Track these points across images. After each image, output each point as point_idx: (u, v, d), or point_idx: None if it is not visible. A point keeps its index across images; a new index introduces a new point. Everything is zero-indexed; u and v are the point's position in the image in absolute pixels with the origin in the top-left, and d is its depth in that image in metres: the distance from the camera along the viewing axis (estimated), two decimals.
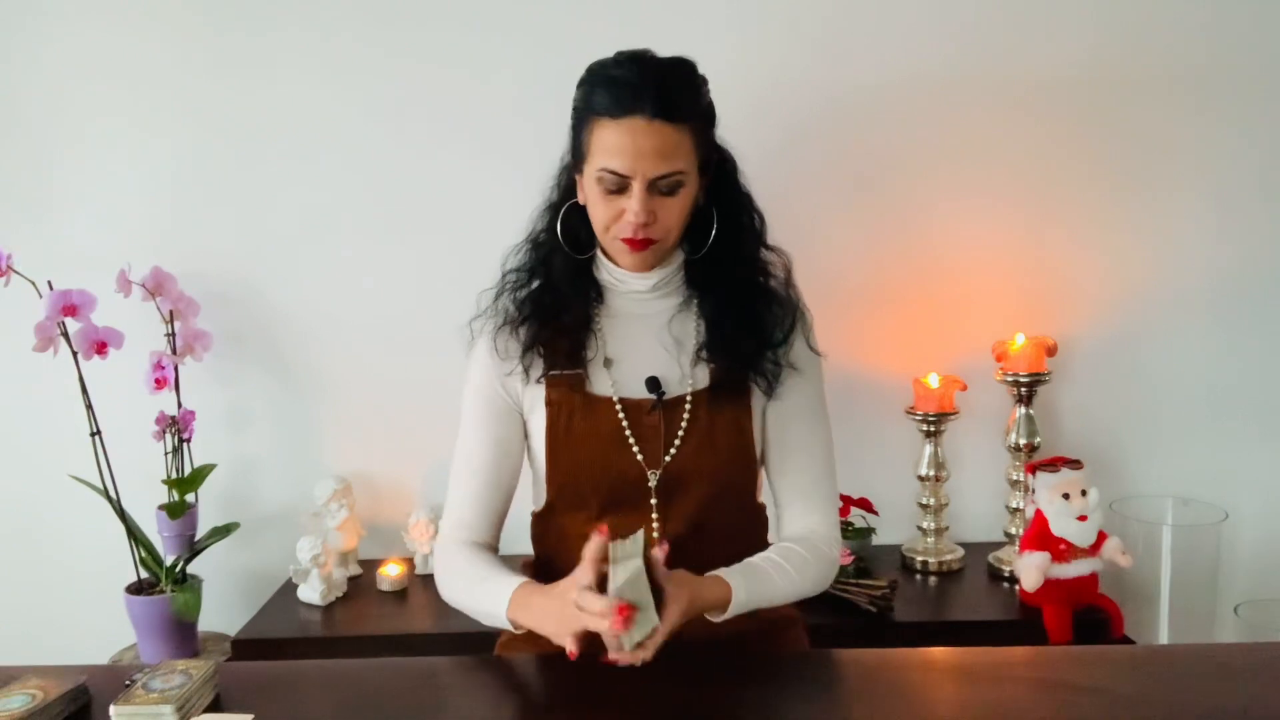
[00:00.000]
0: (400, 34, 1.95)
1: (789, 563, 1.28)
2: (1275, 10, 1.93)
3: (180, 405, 1.94)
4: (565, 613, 1.12)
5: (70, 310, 1.75)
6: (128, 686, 1.10)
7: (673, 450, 1.30)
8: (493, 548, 1.37)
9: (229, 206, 2.02)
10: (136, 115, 1.99)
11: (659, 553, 1.13)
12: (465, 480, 1.36)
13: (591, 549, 1.12)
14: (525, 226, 1.39)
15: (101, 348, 1.78)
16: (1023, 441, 1.93)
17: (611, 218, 1.26)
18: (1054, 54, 1.95)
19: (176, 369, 1.93)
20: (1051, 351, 1.94)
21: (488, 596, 1.24)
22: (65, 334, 1.76)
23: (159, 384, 1.90)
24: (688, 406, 1.31)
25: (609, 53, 1.28)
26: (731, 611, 1.21)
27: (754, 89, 1.88)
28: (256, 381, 2.07)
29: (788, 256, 1.38)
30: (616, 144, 1.21)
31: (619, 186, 1.23)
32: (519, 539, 1.44)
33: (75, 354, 1.77)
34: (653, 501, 1.30)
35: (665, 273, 1.34)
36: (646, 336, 1.34)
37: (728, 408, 1.32)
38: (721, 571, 1.23)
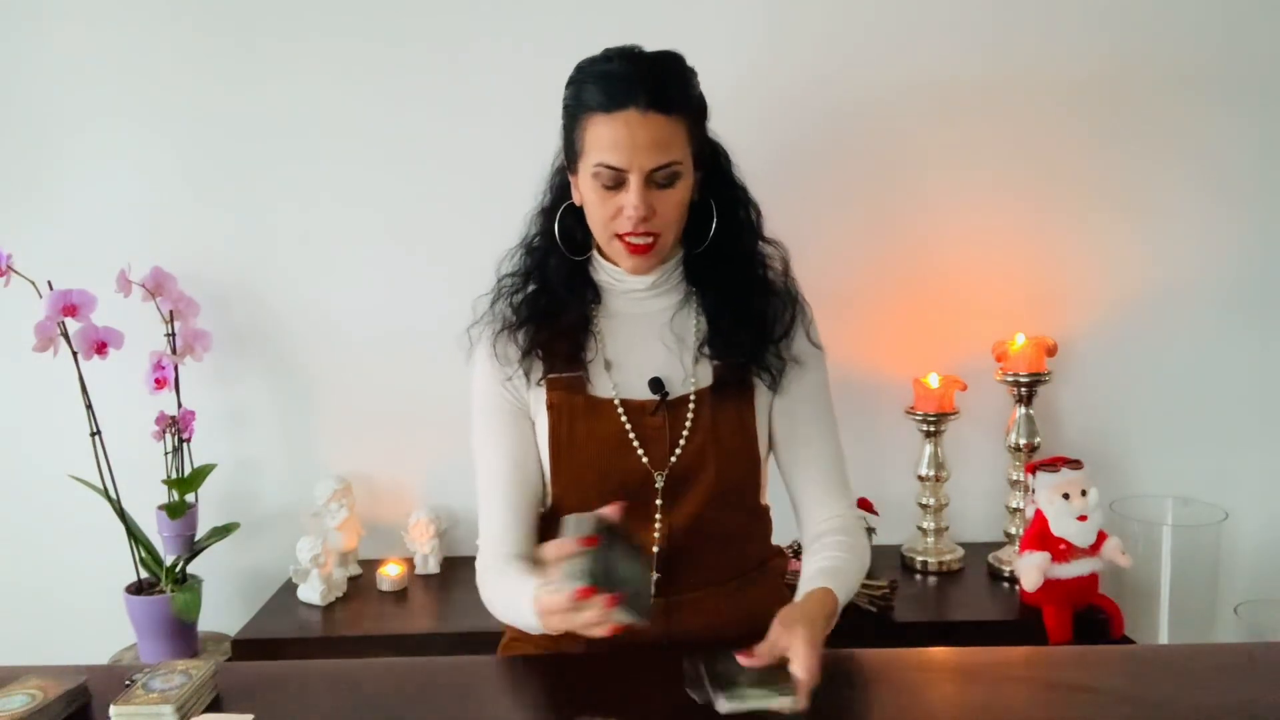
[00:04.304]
0: (402, 37, 1.95)
1: (848, 553, 1.28)
2: (1276, 10, 1.93)
3: (180, 405, 1.94)
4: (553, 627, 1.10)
5: (70, 310, 1.75)
6: (128, 686, 1.10)
7: (678, 451, 1.29)
8: (532, 557, 1.33)
9: (229, 207, 2.01)
10: (137, 115, 1.99)
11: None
12: (491, 497, 1.33)
13: (550, 549, 1.06)
14: (519, 230, 1.38)
15: (101, 348, 1.78)
16: (1023, 441, 1.93)
17: (610, 215, 1.25)
18: (1055, 54, 1.94)
19: (176, 369, 1.93)
20: (1051, 351, 1.94)
21: (521, 604, 1.20)
22: (65, 334, 1.76)
23: (159, 384, 1.90)
24: (691, 405, 1.30)
25: None
26: (836, 617, 1.20)
27: (757, 91, 1.89)
28: (256, 381, 2.07)
29: (785, 249, 1.37)
30: (611, 138, 1.20)
31: (616, 182, 1.22)
32: None
33: (75, 354, 1.77)
34: (658, 503, 1.29)
35: (664, 270, 1.33)
36: (647, 336, 1.33)
37: (732, 405, 1.31)
38: (814, 584, 1.21)
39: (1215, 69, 1.94)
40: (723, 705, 1.04)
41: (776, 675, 1.06)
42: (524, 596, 1.17)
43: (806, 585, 1.23)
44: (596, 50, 1.28)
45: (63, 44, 1.97)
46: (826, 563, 1.27)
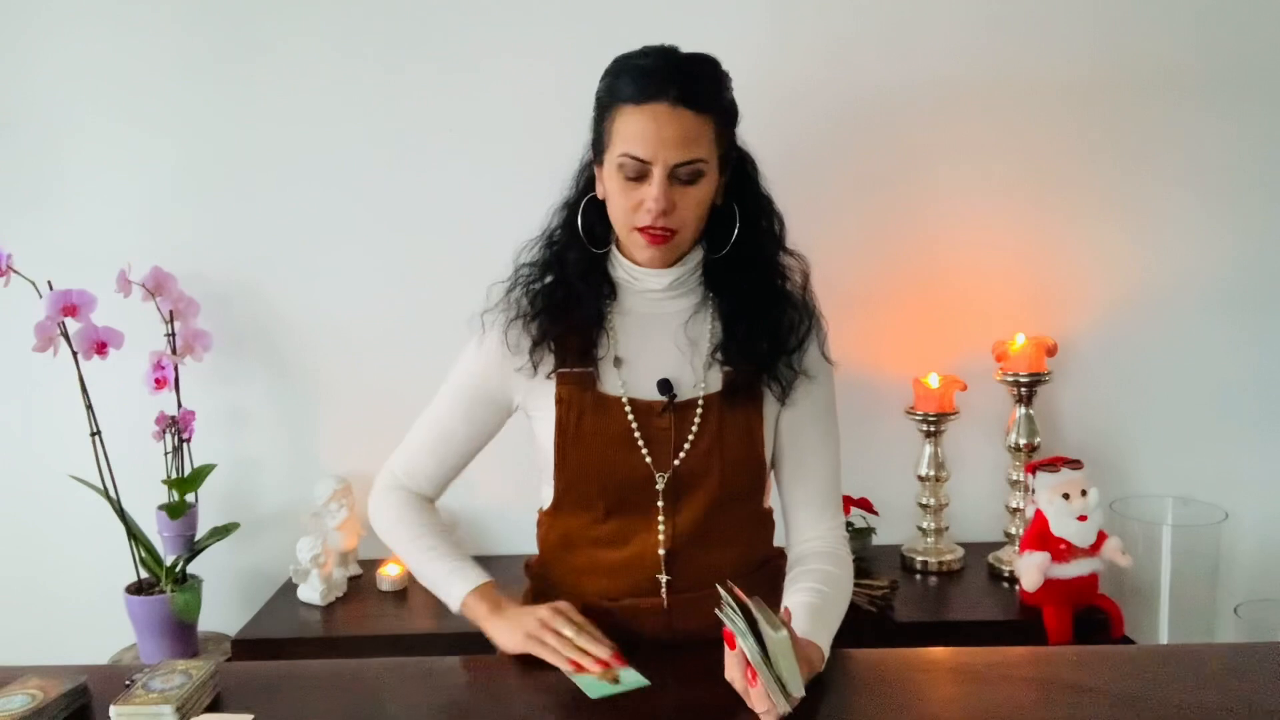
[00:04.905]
0: (403, 38, 1.95)
1: (832, 586, 1.27)
2: (1273, 9, 1.93)
3: (180, 405, 1.94)
4: (526, 627, 1.23)
5: (70, 310, 1.75)
6: (128, 686, 1.10)
7: (682, 453, 1.29)
8: (433, 502, 1.44)
9: (229, 206, 2.02)
10: (137, 116, 1.99)
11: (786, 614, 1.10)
12: (431, 435, 1.40)
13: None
14: (541, 223, 1.38)
15: (101, 348, 1.78)
16: (1023, 441, 1.93)
17: (631, 207, 1.24)
18: (1054, 56, 1.95)
19: (176, 369, 1.93)
20: (1051, 351, 1.94)
21: (447, 566, 1.34)
22: (65, 334, 1.76)
23: (159, 384, 1.90)
24: (699, 410, 1.30)
25: None
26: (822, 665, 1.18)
27: (756, 92, 1.87)
28: (256, 381, 2.07)
29: (806, 262, 1.37)
30: (639, 129, 1.21)
31: (639, 173, 1.22)
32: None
33: (75, 354, 1.77)
34: (659, 504, 1.29)
35: (682, 272, 1.32)
36: (660, 337, 1.33)
37: (739, 412, 1.31)
38: (803, 630, 1.18)
39: (1215, 72, 1.94)
40: (745, 643, 1.04)
41: (794, 669, 1.05)
42: (466, 568, 1.34)
43: (805, 628, 1.19)
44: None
45: (63, 46, 1.97)
46: (818, 601, 1.24)
